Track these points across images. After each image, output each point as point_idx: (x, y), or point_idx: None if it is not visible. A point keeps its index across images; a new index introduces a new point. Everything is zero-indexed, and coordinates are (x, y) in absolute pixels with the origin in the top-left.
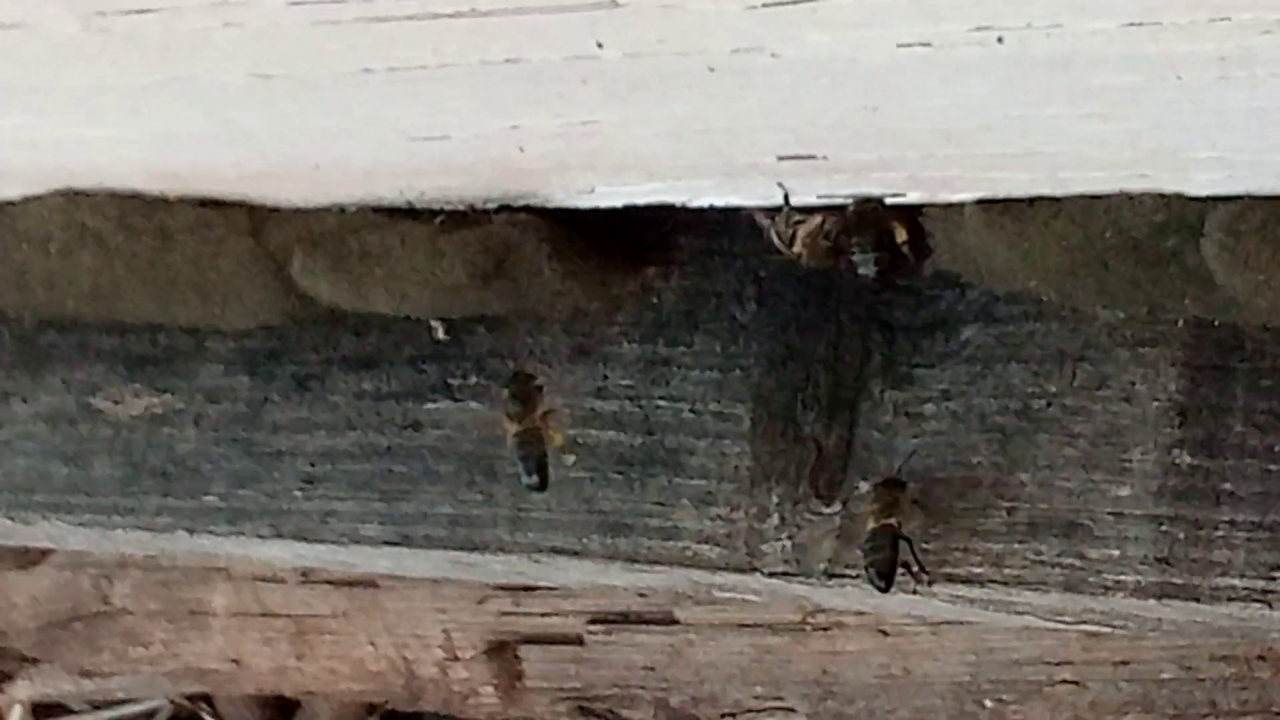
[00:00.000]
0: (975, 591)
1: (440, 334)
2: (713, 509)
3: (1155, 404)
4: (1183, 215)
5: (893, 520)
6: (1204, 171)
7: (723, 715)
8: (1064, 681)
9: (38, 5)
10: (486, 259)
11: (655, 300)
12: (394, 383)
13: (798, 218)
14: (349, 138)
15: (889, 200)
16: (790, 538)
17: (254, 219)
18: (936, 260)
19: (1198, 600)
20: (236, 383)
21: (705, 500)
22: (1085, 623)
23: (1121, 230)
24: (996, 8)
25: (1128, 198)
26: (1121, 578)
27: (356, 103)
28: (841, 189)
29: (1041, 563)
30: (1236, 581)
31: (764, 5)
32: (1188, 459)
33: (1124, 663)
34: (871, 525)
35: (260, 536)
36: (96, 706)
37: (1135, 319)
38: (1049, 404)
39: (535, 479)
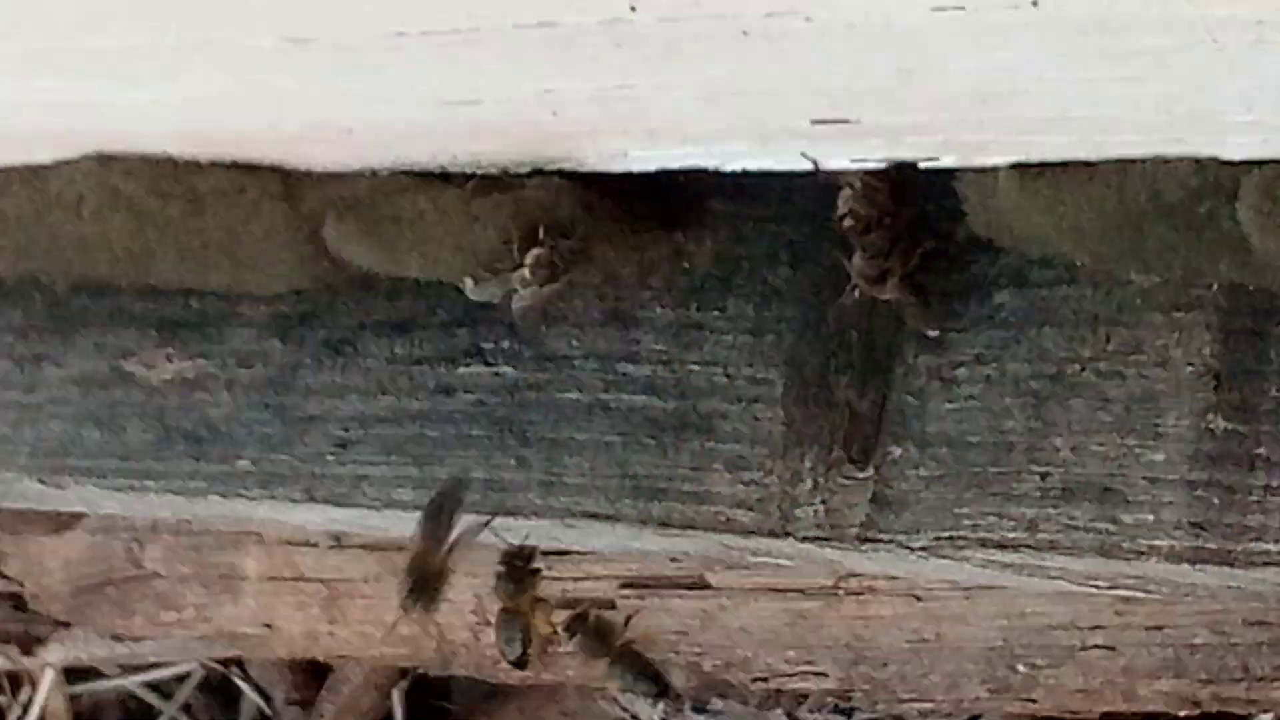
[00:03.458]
0: (1009, 556)
1: (471, 287)
2: (746, 473)
3: (1190, 368)
4: (1218, 179)
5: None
6: (1240, 135)
7: (754, 679)
8: (1097, 646)
9: None
10: (519, 223)
11: (688, 264)
12: (426, 347)
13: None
14: (382, 101)
15: (923, 165)
16: (823, 502)
17: (286, 183)
18: (970, 224)
19: (1232, 565)
20: (269, 347)
21: (738, 465)
22: (1118, 587)
23: (1156, 194)
24: None
25: (1163, 162)
26: (1155, 542)
27: (389, 66)
28: (875, 153)
29: (1075, 527)
30: (1271, 546)
31: None
32: (1222, 423)
33: (1157, 628)
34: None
35: (292, 501)
36: (128, 670)
37: (1170, 283)
38: (1083, 368)
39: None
